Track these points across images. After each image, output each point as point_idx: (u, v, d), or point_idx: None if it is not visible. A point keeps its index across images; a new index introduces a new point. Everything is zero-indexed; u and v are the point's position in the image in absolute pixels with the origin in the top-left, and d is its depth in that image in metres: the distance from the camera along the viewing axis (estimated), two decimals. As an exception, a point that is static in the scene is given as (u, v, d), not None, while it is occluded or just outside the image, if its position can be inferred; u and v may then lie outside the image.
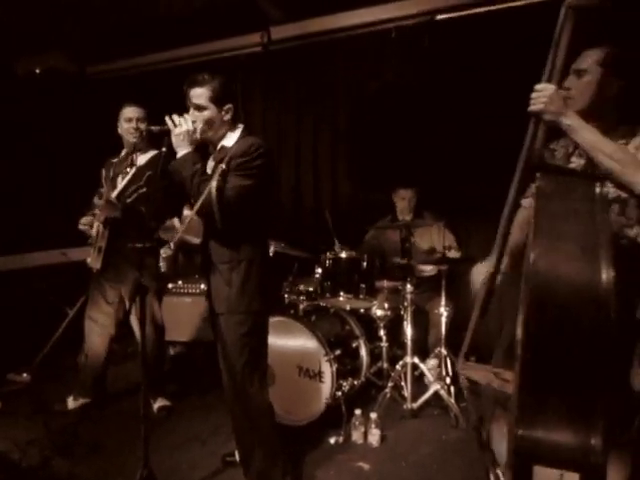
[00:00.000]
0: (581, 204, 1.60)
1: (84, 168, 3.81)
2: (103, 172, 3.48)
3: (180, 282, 4.47)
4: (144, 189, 3.15)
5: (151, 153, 3.37)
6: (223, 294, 2.40)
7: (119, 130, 3.40)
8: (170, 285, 4.57)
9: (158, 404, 3.46)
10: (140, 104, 3.40)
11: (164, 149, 2.34)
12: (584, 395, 1.46)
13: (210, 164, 2.46)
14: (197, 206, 2.23)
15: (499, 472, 1.96)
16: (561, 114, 1.71)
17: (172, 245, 2.37)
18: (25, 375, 4.00)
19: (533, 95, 1.74)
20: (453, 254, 3.84)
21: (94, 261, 3.28)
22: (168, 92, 2.84)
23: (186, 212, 2.77)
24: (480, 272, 2.02)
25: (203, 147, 2.48)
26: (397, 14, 4.19)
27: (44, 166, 4.98)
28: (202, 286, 4.28)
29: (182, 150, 2.32)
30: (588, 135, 1.70)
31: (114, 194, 3.25)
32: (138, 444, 2.34)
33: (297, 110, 4.85)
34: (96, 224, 3.28)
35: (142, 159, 3.35)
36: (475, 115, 4.06)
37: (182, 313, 4.32)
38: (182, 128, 2.32)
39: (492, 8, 3.91)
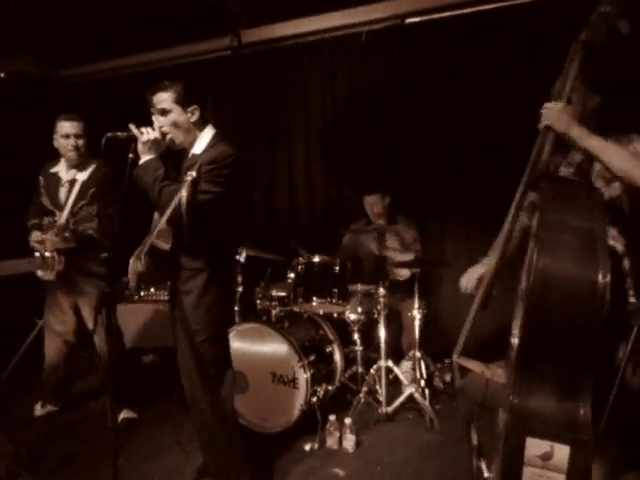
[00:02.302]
0: (581, 207, 1.74)
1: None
2: (41, 180, 3.38)
3: (152, 289, 4.41)
4: (90, 207, 3.18)
5: (91, 167, 3.31)
6: (183, 302, 2.38)
7: (54, 143, 3.29)
8: (142, 293, 4.51)
9: (123, 415, 3.40)
10: (77, 117, 3.28)
11: (131, 155, 2.29)
12: (575, 371, 1.62)
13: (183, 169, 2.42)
14: (166, 215, 2.19)
15: (482, 465, 2.04)
16: (570, 126, 1.87)
17: (143, 259, 2.31)
18: (-8, 387, 3.90)
19: (543, 112, 1.92)
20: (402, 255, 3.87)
21: (47, 274, 3.25)
22: (137, 96, 2.79)
23: (156, 216, 2.71)
24: (472, 275, 2.18)
25: (171, 155, 2.44)
26: (367, 18, 4.21)
27: (9, 172, 4.86)
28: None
29: (146, 157, 2.28)
30: (595, 142, 1.84)
31: (63, 218, 3.21)
32: (108, 456, 2.28)
33: (269, 114, 4.82)
34: (49, 249, 3.21)
35: (83, 175, 3.29)
36: (448, 118, 4.10)
37: (154, 320, 4.26)
38: (149, 136, 2.28)
39: (462, 12, 3.95)
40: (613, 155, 1.80)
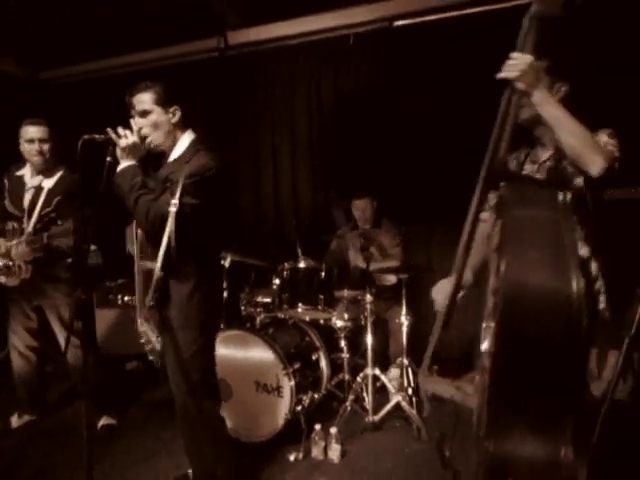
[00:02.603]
0: (546, 211, 1.61)
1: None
2: (6, 183, 3.29)
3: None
4: (54, 214, 3.10)
5: (58, 174, 3.23)
6: (169, 310, 2.32)
7: (20, 148, 3.20)
8: (127, 297, 4.45)
9: (102, 422, 3.33)
10: (43, 121, 3.20)
11: (109, 159, 2.22)
12: (553, 404, 1.49)
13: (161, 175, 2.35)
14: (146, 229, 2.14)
15: None
16: (533, 86, 1.69)
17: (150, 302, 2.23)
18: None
19: (509, 62, 1.69)
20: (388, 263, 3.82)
21: (10, 281, 3.16)
22: (123, 98, 2.73)
23: (128, 232, 2.64)
24: (441, 289, 2.01)
25: (150, 159, 2.38)
26: (355, 20, 4.17)
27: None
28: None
29: (124, 163, 2.22)
30: (555, 110, 1.71)
31: (31, 227, 3.11)
32: (84, 464, 2.21)
33: (255, 117, 4.78)
34: (16, 261, 3.11)
35: (49, 182, 3.20)
36: (434, 122, 4.06)
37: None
38: (128, 140, 2.21)
39: (450, 15, 3.92)
40: (567, 128, 1.69)
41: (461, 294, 1.89)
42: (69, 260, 3.16)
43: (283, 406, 3.03)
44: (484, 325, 1.78)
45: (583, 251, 1.80)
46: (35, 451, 3.10)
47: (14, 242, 3.11)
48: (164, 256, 2.15)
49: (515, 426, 1.50)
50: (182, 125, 2.37)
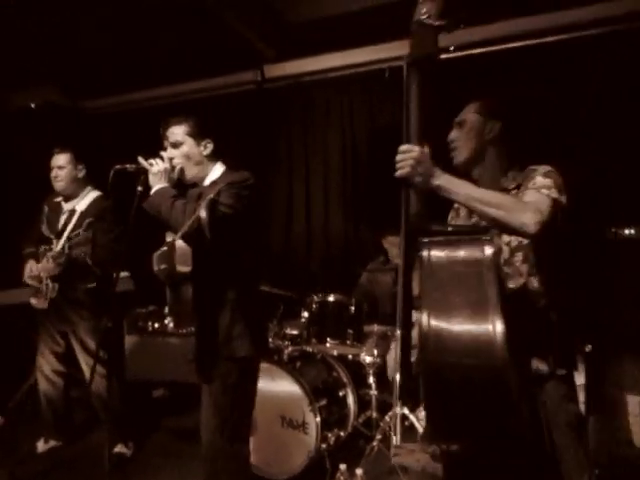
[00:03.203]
0: (467, 267, 1.51)
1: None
2: (45, 208, 3.46)
3: (167, 321, 4.37)
4: (84, 236, 3.22)
5: (91, 196, 3.38)
6: (209, 336, 2.27)
7: None
8: (156, 324, 4.47)
9: (116, 449, 3.31)
10: (63, 149, 3.37)
11: (140, 188, 2.25)
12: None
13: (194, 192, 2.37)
14: (183, 229, 2.11)
15: None
16: (430, 175, 1.64)
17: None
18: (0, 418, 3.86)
19: (398, 158, 1.66)
20: None
21: (40, 303, 3.28)
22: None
23: (168, 238, 2.64)
24: (393, 352, 1.92)
25: (181, 189, 2.39)
26: (390, 54, 4.18)
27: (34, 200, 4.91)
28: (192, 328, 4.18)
29: (158, 185, 2.23)
30: (462, 189, 1.63)
31: (59, 246, 3.25)
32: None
33: (289, 148, 4.81)
34: (44, 277, 3.24)
35: (82, 204, 3.35)
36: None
37: (165, 353, 4.20)
38: (159, 166, 2.24)
39: (488, 50, 3.91)
40: (481, 201, 1.61)
41: (414, 355, 1.77)
42: (90, 285, 3.24)
43: (308, 443, 2.95)
44: None
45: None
46: (58, 475, 3.11)
47: (42, 262, 3.23)
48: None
49: None
50: (214, 158, 2.38)
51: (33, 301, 3.30)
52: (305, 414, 2.98)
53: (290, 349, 3.40)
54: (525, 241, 1.77)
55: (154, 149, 2.37)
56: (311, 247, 4.71)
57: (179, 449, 3.46)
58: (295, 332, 3.44)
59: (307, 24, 4.07)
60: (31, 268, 3.26)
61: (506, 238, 1.79)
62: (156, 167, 2.24)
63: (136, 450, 3.41)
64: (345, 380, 3.42)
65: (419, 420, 3.28)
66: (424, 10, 1.62)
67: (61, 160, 3.33)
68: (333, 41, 4.25)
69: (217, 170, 2.38)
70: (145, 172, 2.24)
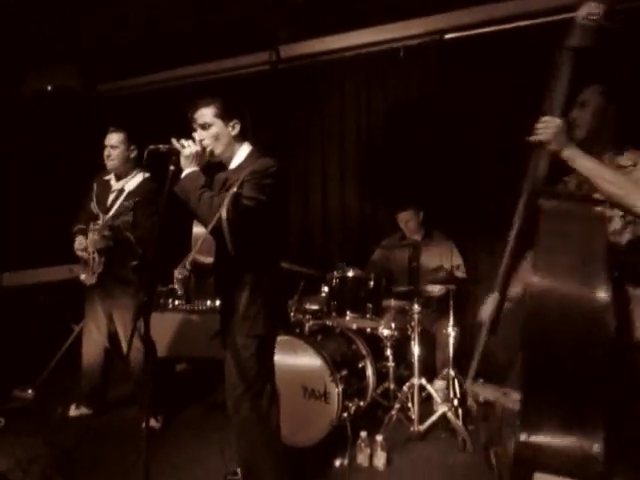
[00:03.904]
0: (580, 225, 1.70)
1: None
2: (95, 186, 3.58)
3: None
4: (131, 215, 3.33)
5: (139, 177, 3.48)
6: (230, 315, 2.40)
7: None
8: (177, 302, 4.58)
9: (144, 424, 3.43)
10: (117, 128, 3.47)
11: (172, 167, 2.32)
12: (583, 405, 1.55)
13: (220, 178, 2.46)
14: (210, 226, 2.21)
15: None
16: (564, 145, 1.85)
17: (187, 265, 2.34)
18: (30, 392, 4.02)
19: (539, 126, 1.90)
20: (459, 274, 3.81)
21: (89, 278, 3.43)
22: (178, 109, 2.87)
23: (196, 230, 2.74)
24: (488, 302, 2.14)
25: (210, 170, 2.48)
26: (405, 33, 4.23)
27: (52, 183, 5.03)
28: (208, 303, 4.29)
29: (188, 169, 2.32)
30: (588, 163, 1.83)
31: (105, 220, 3.37)
32: (139, 463, 2.30)
33: (306, 128, 4.87)
34: (91, 250, 3.37)
35: (131, 184, 3.46)
36: (485, 135, 4.07)
37: (187, 330, 4.31)
38: (191, 149, 2.32)
39: (501, 27, 3.94)
40: (602, 177, 1.79)
41: (509, 305, 2.01)
42: (134, 263, 3.34)
43: (330, 412, 3.07)
44: None
45: None
46: (92, 447, 3.22)
47: (90, 235, 3.36)
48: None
49: (546, 420, 1.57)
50: (241, 138, 2.46)
51: (82, 277, 3.45)
52: (327, 384, 3.09)
53: (311, 323, 3.50)
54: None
55: (169, 130, 2.44)
56: (328, 225, 4.79)
57: (204, 421, 3.60)
58: (316, 307, 3.53)
59: (322, 4, 4.09)
60: (80, 242, 3.39)
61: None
62: (188, 150, 2.31)
63: (164, 423, 3.54)
64: (364, 352, 3.53)
65: (436, 391, 3.41)
66: (592, 9, 1.81)
67: (114, 139, 3.42)
68: (348, 21, 4.27)
69: (244, 151, 2.46)
70: (177, 153, 2.30)
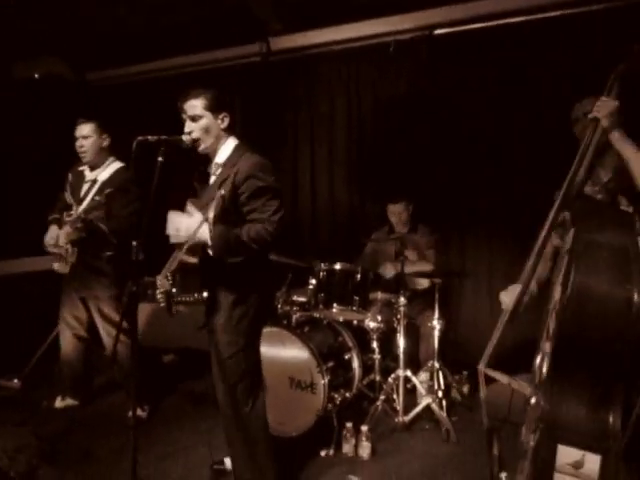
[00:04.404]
0: (614, 226, 1.83)
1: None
2: (69, 176, 3.57)
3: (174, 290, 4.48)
4: (104, 206, 3.30)
5: (113, 167, 3.46)
6: (216, 312, 2.42)
7: None
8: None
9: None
10: (87, 119, 3.43)
11: (160, 159, 2.32)
12: (606, 384, 1.70)
13: (212, 180, 2.47)
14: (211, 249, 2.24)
15: (503, 476, 2.05)
16: (615, 125, 2.02)
17: (168, 276, 2.33)
18: (16, 381, 4.01)
19: (599, 103, 2.04)
20: (419, 267, 3.87)
21: (62, 268, 3.41)
22: (167, 100, 2.87)
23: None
24: (511, 291, 2.26)
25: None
26: (395, 28, 4.23)
27: (37, 172, 4.99)
28: (196, 295, 4.28)
29: (207, 236, 2.25)
30: (631, 147, 2.00)
31: (79, 211, 3.35)
32: (126, 452, 2.33)
33: (295, 121, 4.88)
34: (64, 242, 3.35)
35: (105, 174, 3.44)
36: (473, 129, 4.11)
37: (175, 321, 4.29)
38: (196, 219, 2.27)
39: (491, 24, 3.96)
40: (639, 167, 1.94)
41: (525, 299, 2.13)
42: (108, 253, 3.34)
43: (316, 403, 3.10)
44: (543, 337, 1.97)
45: None
46: (79, 437, 3.23)
47: (63, 228, 3.34)
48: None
49: (571, 398, 1.72)
50: (229, 131, 2.47)
51: (55, 265, 3.42)
52: (313, 376, 3.13)
53: (298, 315, 3.52)
54: None
55: (157, 120, 2.43)
56: (317, 217, 4.82)
57: (191, 411, 3.63)
58: (303, 299, 3.54)
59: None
60: (51, 236, 3.37)
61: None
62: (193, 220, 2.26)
63: (150, 413, 3.56)
64: (350, 344, 3.56)
65: (421, 383, 3.46)
66: None
67: (86, 130, 3.39)
68: (339, 13, 4.27)
69: (230, 145, 2.46)
70: (165, 143, 2.30)
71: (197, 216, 2.26)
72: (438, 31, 4.13)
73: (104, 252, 3.35)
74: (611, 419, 1.65)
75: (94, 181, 3.43)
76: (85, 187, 3.45)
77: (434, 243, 4.05)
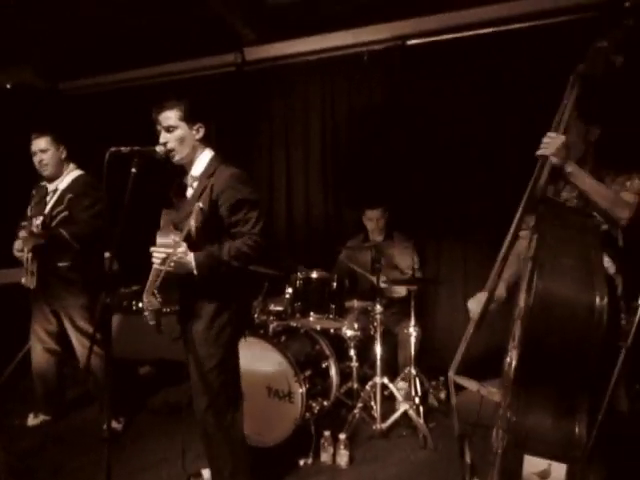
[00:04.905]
0: (577, 231, 1.86)
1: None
2: (33, 192, 3.54)
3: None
4: (65, 212, 3.29)
5: (73, 174, 3.45)
6: (194, 321, 2.40)
7: None
8: (140, 304, 4.53)
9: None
10: (44, 132, 3.40)
11: (133, 170, 2.31)
12: (571, 391, 1.70)
13: (189, 192, 2.46)
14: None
15: None
16: (566, 160, 2.00)
17: (157, 295, 2.28)
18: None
19: (545, 140, 2.02)
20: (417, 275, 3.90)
21: (28, 281, 3.36)
22: (141, 110, 2.85)
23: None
24: (477, 299, 2.23)
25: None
26: (369, 38, 4.29)
27: (9, 182, 4.91)
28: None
29: (193, 263, 2.25)
30: (586, 179, 2.01)
31: (38, 222, 3.32)
32: (99, 468, 2.28)
33: (270, 131, 4.89)
34: (25, 250, 3.32)
35: (64, 183, 3.42)
36: (447, 139, 4.17)
37: (151, 332, 4.25)
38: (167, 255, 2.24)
39: (462, 35, 4.04)
40: (597, 193, 1.97)
41: (493, 306, 2.14)
42: (70, 261, 3.30)
43: (294, 412, 3.10)
44: (511, 342, 1.99)
45: (611, 271, 2.01)
46: (52, 453, 3.18)
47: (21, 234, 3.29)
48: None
49: (536, 407, 1.72)
50: (204, 142, 2.46)
51: (23, 280, 3.38)
52: (290, 385, 3.12)
53: (275, 324, 3.52)
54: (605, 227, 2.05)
55: (130, 130, 2.41)
56: (292, 226, 4.83)
57: (167, 423, 3.57)
58: (279, 308, 3.54)
59: (287, 7, 4.12)
60: (18, 244, 3.34)
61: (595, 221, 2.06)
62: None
63: (126, 425, 3.52)
64: (328, 353, 3.57)
65: (398, 389, 3.48)
66: (606, 44, 1.97)
67: (43, 144, 3.36)
68: (313, 24, 4.32)
69: (206, 156, 2.46)
70: (138, 154, 2.28)
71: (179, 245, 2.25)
72: (410, 42, 4.20)
73: (66, 259, 3.30)
74: (577, 429, 1.66)
75: (54, 190, 3.41)
76: (48, 198, 3.41)
77: (416, 255, 4.08)
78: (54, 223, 3.29)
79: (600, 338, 1.62)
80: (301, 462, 3.03)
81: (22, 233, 3.28)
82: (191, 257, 2.23)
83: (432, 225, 4.30)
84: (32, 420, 3.57)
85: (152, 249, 2.28)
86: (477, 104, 4.04)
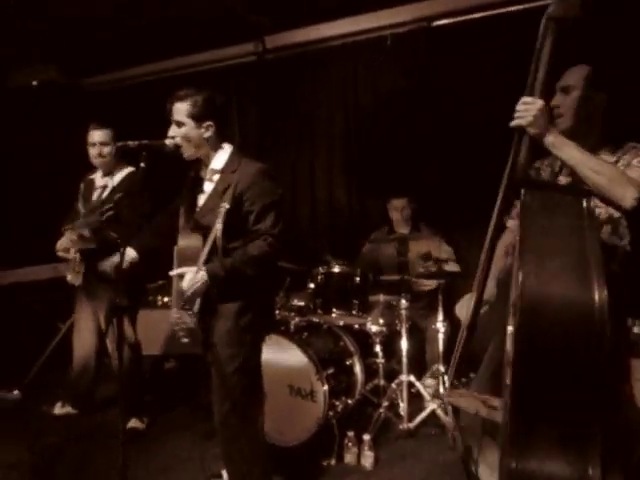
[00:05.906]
0: (568, 220, 1.54)
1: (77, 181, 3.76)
2: (81, 186, 3.53)
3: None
4: (114, 211, 3.23)
5: (125, 171, 3.41)
6: (215, 320, 2.32)
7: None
8: (166, 299, 4.51)
9: (130, 424, 3.36)
10: (106, 125, 3.39)
11: (142, 165, 2.24)
12: (578, 421, 1.41)
13: (207, 186, 2.39)
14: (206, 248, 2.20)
15: None
16: (546, 129, 1.64)
17: (192, 309, 2.25)
18: (16, 392, 3.96)
19: (519, 108, 1.67)
20: (451, 267, 3.74)
21: (74, 278, 3.35)
22: (162, 103, 2.80)
23: (182, 243, 2.54)
24: (465, 304, 1.98)
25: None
26: (392, 21, 4.14)
27: (36, 179, 4.97)
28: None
29: (205, 278, 2.22)
30: (572, 151, 1.63)
31: (85, 219, 3.30)
32: (118, 466, 2.24)
33: (293, 119, 4.77)
34: (72, 251, 3.30)
35: (115, 180, 3.39)
36: (476, 123, 3.97)
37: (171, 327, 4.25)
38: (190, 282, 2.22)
39: (489, 13, 3.86)
40: (588, 166, 1.60)
41: (485, 308, 1.89)
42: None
43: (316, 411, 3.00)
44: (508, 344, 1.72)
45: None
46: (75, 451, 3.16)
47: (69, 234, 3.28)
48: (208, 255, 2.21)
49: (539, 443, 1.42)
50: (216, 141, 2.36)
51: (68, 277, 3.37)
52: (313, 383, 3.03)
53: (297, 320, 3.44)
54: (616, 214, 1.76)
55: (153, 125, 2.36)
56: (316, 218, 4.73)
57: (190, 421, 3.54)
58: (301, 303, 3.46)
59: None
60: (61, 242, 3.32)
61: (596, 210, 1.75)
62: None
63: (149, 423, 3.48)
64: (352, 349, 3.46)
65: (425, 387, 3.35)
66: None
67: (105, 136, 3.35)
68: (333, 9, 4.19)
69: (225, 152, 2.38)
70: (146, 148, 2.21)
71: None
72: (435, 23, 4.03)
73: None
74: (590, 469, 1.36)
75: (104, 187, 3.39)
76: (95, 194, 3.41)
77: (448, 247, 3.95)
78: (93, 218, 3.25)
79: (605, 339, 1.35)
80: (324, 463, 2.95)
81: (71, 235, 3.26)
82: (205, 276, 2.20)
83: (462, 216, 4.12)
84: (59, 409, 3.62)
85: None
86: (506, 87, 3.82)
